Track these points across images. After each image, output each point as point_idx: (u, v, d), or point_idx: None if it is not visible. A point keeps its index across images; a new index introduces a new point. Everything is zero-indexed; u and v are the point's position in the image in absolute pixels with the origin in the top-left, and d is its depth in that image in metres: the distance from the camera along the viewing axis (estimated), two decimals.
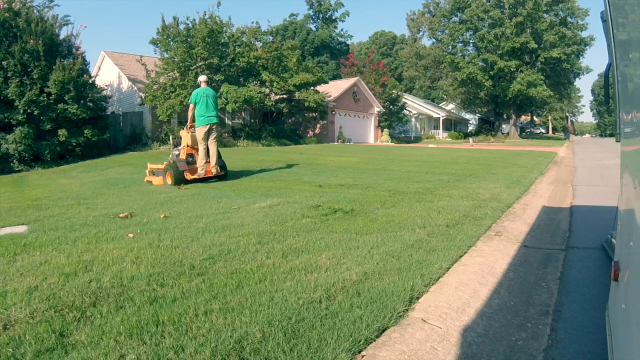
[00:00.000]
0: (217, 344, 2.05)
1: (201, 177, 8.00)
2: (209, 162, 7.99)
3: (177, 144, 8.51)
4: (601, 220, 4.95)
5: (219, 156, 8.14)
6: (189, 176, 7.95)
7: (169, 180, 7.96)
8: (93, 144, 18.13)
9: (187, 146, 8.18)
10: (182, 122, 22.15)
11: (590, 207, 5.93)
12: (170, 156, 8.38)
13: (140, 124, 22.06)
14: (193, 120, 8.02)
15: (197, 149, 8.10)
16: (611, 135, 52.98)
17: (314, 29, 59.43)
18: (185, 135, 8.22)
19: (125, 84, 23.58)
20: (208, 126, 7.84)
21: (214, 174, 8.04)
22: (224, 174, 8.26)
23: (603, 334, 2.13)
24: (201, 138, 7.82)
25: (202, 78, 8.36)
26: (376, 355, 1.99)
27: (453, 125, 49.78)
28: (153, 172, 8.57)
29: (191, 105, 7.97)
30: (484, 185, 7.16)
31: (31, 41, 16.56)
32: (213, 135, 7.93)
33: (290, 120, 27.45)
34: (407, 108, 37.21)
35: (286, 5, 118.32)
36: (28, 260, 3.50)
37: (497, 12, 35.68)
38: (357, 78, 30.77)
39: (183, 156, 8.14)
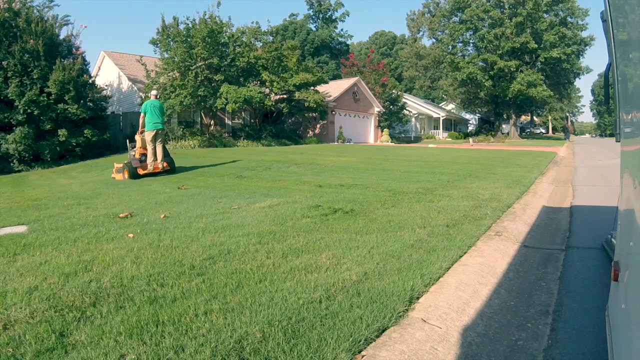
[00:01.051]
0: (217, 344, 2.05)
1: (150, 172, 9.56)
2: (155, 159, 9.67)
3: (134, 147, 10.07)
4: (601, 220, 4.95)
5: (166, 154, 9.88)
6: (141, 172, 9.50)
7: (126, 176, 9.55)
8: (93, 144, 18.12)
9: (140, 147, 9.81)
10: (181, 122, 22.17)
11: (590, 207, 5.93)
12: (129, 156, 10.06)
13: None
14: (143, 126, 9.70)
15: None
16: (611, 135, 52.97)
17: (314, 29, 59.40)
18: (138, 138, 9.92)
19: (125, 84, 23.57)
20: (155, 131, 9.55)
21: (160, 169, 9.70)
22: (170, 169, 9.88)
23: (603, 334, 2.13)
24: (149, 140, 9.52)
25: (152, 92, 10.37)
26: (376, 355, 1.99)
27: (453, 125, 49.76)
28: (118, 170, 10.07)
29: (142, 114, 9.67)
30: (484, 185, 7.16)
31: (31, 41, 16.53)
32: (159, 138, 9.66)
33: (290, 120, 27.42)
34: (407, 108, 37.18)
35: (286, 5, 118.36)
36: (28, 260, 3.50)
37: (497, 12, 35.66)
38: (357, 78, 30.75)
39: (137, 156, 9.76)
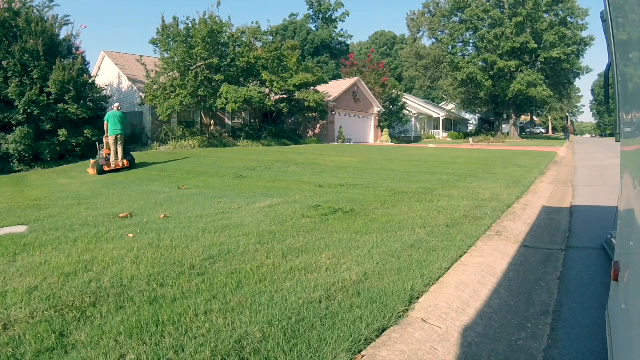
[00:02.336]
0: (217, 344, 2.05)
1: (113, 168, 11.87)
2: (117, 158, 12.07)
3: (102, 148, 12.54)
4: (601, 220, 4.95)
5: (127, 153, 12.34)
6: (106, 168, 11.81)
7: (95, 171, 11.82)
8: (93, 144, 18.07)
9: (106, 149, 12.20)
10: (181, 122, 22.17)
11: (590, 207, 5.93)
12: (98, 155, 12.48)
13: (140, 124, 22.04)
14: (107, 132, 12.11)
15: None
16: (611, 135, 52.95)
17: (314, 29, 59.37)
18: (105, 142, 12.39)
19: (125, 84, 23.56)
20: (115, 136, 11.98)
21: (121, 166, 12.00)
22: (130, 165, 12.20)
23: (603, 334, 2.13)
24: (112, 143, 12.04)
25: (115, 105, 12.91)
26: (376, 355, 1.99)
27: (453, 125, 49.74)
28: (92, 166, 12.20)
29: (105, 122, 12.14)
30: (484, 185, 7.16)
31: (31, 41, 16.51)
32: (119, 141, 12.06)
33: (290, 120, 27.42)
34: (407, 108, 37.15)
35: (286, 5, 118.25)
36: (28, 260, 3.50)
37: (497, 12, 35.63)
38: (357, 78, 30.73)
39: (104, 155, 12.18)
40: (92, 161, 12.53)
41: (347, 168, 10.53)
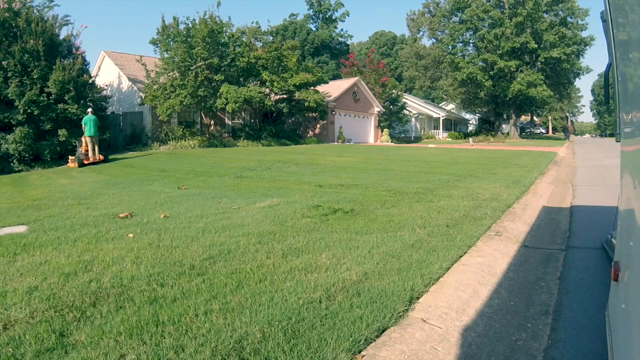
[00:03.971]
0: (217, 344, 2.05)
1: (90, 162, 14.62)
2: (94, 153, 14.95)
3: (81, 145, 15.39)
4: (601, 220, 4.95)
5: (100, 149, 15.28)
6: (85, 162, 14.54)
7: (76, 164, 14.48)
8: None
9: (84, 146, 15.06)
10: (181, 122, 22.17)
11: (590, 207, 5.93)
12: (78, 151, 15.34)
13: (140, 124, 22.02)
14: (85, 133, 14.80)
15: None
16: (611, 135, 52.95)
17: (314, 29, 59.35)
18: (83, 140, 15.22)
19: (125, 84, 23.55)
20: (90, 136, 14.78)
21: (97, 159, 14.83)
22: (103, 159, 15.08)
23: (603, 333, 2.13)
24: (88, 142, 14.84)
25: (89, 110, 15.55)
26: (376, 355, 1.99)
27: (453, 125, 49.73)
28: (72, 161, 14.83)
29: (83, 125, 14.88)
30: (484, 185, 7.16)
31: (31, 41, 16.51)
32: (95, 140, 14.90)
33: (290, 120, 27.41)
34: (407, 108, 37.12)
35: (286, 5, 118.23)
36: (28, 260, 3.50)
37: (497, 12, 35.63)
38: (357, 78, 30.71)
39: (83, 151, 15.02)
40: (71, 157, 15.19)
41: (347, 168, 10.53)
